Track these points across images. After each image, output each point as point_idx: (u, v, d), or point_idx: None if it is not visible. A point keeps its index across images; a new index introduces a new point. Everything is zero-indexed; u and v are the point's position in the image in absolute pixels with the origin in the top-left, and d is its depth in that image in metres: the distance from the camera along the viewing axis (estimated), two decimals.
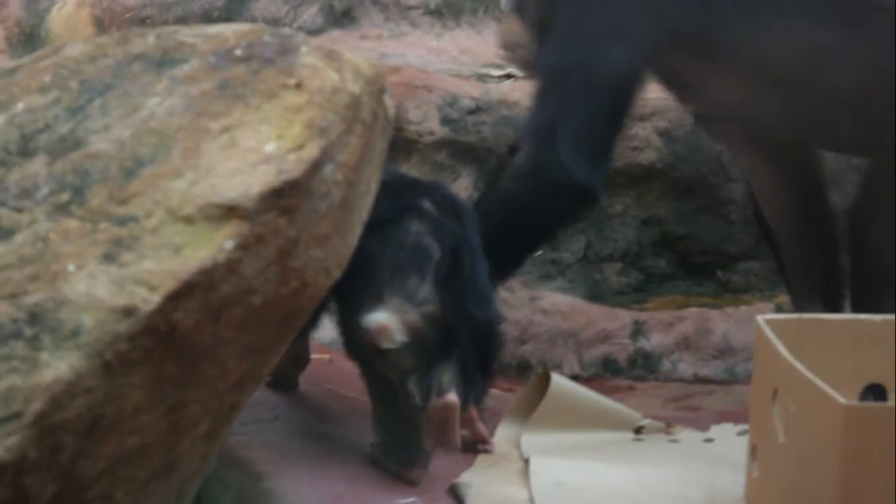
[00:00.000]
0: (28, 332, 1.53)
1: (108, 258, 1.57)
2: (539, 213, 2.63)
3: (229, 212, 1.60)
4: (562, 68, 2.57)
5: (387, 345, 2.29)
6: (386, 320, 2.28)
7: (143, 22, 4.55)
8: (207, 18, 4.56)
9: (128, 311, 1.53)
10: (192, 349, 1.60)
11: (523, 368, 3.03)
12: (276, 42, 1.80)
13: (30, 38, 4.55)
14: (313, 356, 2.74)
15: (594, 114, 2.54)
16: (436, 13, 3.96)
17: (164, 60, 1.80)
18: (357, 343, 2.34)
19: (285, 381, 2.63)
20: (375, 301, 2.30)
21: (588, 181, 2.54)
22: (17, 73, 1.85)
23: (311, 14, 4.30)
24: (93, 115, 1.74)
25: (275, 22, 4.44)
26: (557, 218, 2.68)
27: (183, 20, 4.53)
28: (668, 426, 2.67)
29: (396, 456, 2.33)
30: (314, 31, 4.13)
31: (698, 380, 3.13)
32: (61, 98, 1.78)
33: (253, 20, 4.49)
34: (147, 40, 1.84)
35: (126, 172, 1.65)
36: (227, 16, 4.55)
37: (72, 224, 1.61)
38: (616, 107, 2.57)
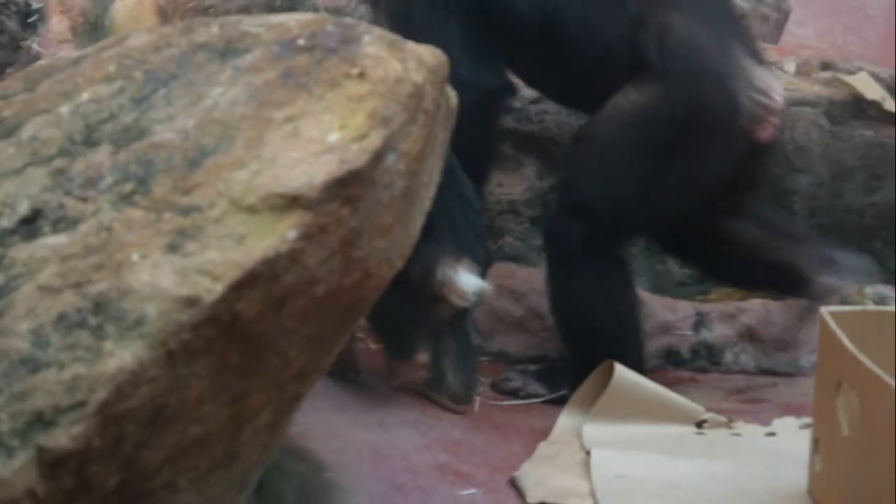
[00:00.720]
0: (92, 321, 1.53)
1: (172, 248, 1.57)
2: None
3: (292, 202, 1.59)
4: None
5: (467, 303, 2.39)
6: (483, 286, 2.39)
7: (205, 11, 4.56)
8: (270, 8, 4.57)
9: (191, 301, 1.53)
10: (255, 339, 1.60)
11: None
12: (339, 31, 1.80)
13: (94, 28, 4.57)
14: (375, 346, 2.74)
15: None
16: None
17: (227, 50, 1.80)
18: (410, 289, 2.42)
19: (348, 370, 2.65)
20: (455, 260, 2.38)
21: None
22: (81, 63, 1.86)
23: None
24: (157, 105, 1.74)
25: (337, 11, 4.44)
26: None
27: (246, 10, 4.53)
28: (730, 420, 2.65)
29: (448, 390, 2.43)
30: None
31: (761, 372, 3.11)
32: (126, 88, 1.78)
33: (315, 9, 4.49)
34: (211, 30, 1.84)
35: (190, 162, 1.65)
36: (290, 5, 4.56)
37: (136, 214, 1.62)
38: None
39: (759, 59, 2.96)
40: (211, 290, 1.54)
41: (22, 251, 1.62)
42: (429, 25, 2.90)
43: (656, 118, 2.83)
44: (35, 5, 4.77)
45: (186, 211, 1.61)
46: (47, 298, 1.56)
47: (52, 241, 1.61)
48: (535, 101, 3.28)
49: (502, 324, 3.14)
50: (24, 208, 1.66)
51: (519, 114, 3.27)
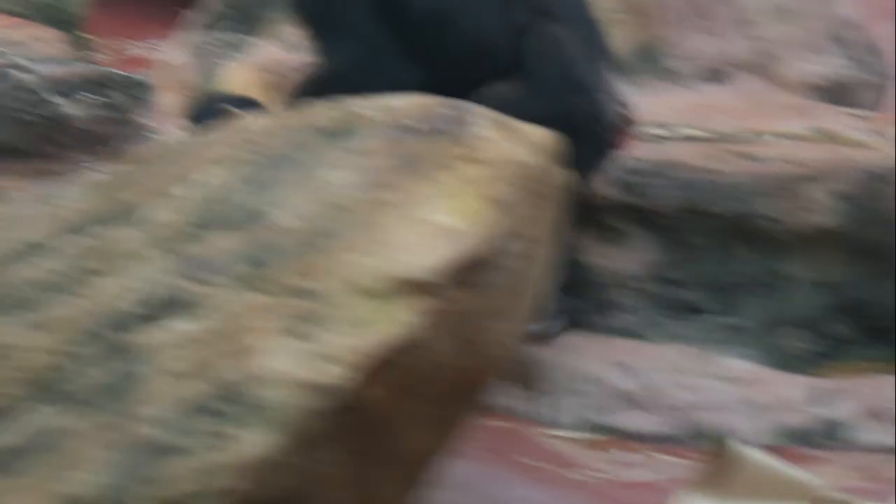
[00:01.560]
0: (221, 408, 1.58)
1: (297, 334, 1.61)
2: None
3: (412, 286, 1.63)
4: None
5: None
6: None
7: None
8: None
9: (318, 388, 1.57)
10: (381, 423, 1.64)
11: (700, 436, 3.01)
12: (449, 113, 1.84)
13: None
14: (494, 423, 2.76)
15: None
16: None
17: (342, 133, 1.84)
18: None
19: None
20: None
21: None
22: (198, 146, 1.92)
23: None
24: (273, 188, 1.79)
25: None
26: None
27: None
28: (852, 498, 2.63)
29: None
30: None
31: (883, 449, 3.08)
32: (243, 171, 1.83)
33: None
34: (325, 113, 1.89)
35: (308, 246, 1.70)
36: None
37: (256, 298, 1.66)
38: None
39: (617, 74, 3.21)
40: (336, 376, 1.58)
41: (148, 337, 1.67)
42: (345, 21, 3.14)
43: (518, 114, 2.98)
44: (143, 79, 4.89)
45: (307, 295, 1.66)
46: (176, 385, 1.61)
47: (177, 327, 1.66)
48: (646, 175, 3.29)
49: (620, 400, 3.14)
50: (148, 293, 1.71)
51: (623, 185, 3.29)
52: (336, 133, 1.82)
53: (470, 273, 1.68)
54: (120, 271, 1.75)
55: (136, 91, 4.62)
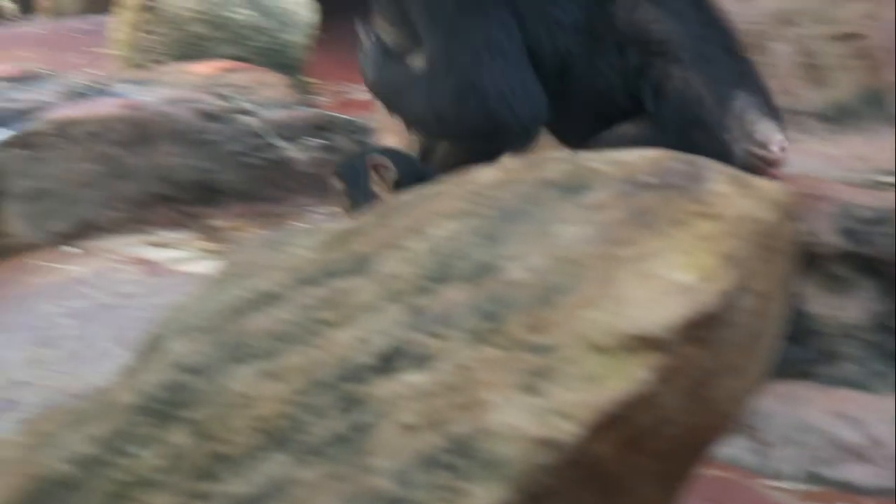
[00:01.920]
0: (454, 461, 1.59)
1: (528, 388, 1.62)
2: None
3: (645, 343, 1.62)
4: None
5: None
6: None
7: None
8: None
9: (549, 443, 1.58)
10: (610, 479, 1.63)
11: None
12: (684, 168, 1.83)
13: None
14: (713, 473, 2.73)
15: None
16: (827, 118, 3.92)
17: (575, 187, 1.84)
18: None
19: None
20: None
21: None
22: (432, 198, 1.94)
23: None
24: (507, 242, 1.80)
25: None
26: None
27: None
28: None
29: None
30: None
31: None
32: (476, 224, 1.85)
33: None
34: (557, 166, 1.89)
35: (541, 301, 1.70)
36: None
37: (491, 352, 1.67)
38: None
39: (769, 112, 3.17)
40: (568, 431, 1.58)
41: (380, 388, 1.69)
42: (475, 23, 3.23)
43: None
44: (363, 122, 4.98)
45: (540, 350, 1.66)
46: (408, 437, 1.62)
47: (411, 379, 1.68)
48: (871, 223, 3.23)
49: (842, 452, 3.08)
50: (381, 345, 1.73)
51: (855, 235, 3.24)
52: (568, 187, 1.83)
53: (702, 329, 1.66)
54: (352, 323, 1.78)
55: (357, 134, 4.72)
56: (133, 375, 1.96)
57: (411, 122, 3.50)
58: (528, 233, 1.80)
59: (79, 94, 4.99)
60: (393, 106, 3.52)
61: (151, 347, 2.09)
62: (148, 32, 5.84)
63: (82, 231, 4.72)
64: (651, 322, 1.63)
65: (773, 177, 3.12)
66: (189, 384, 1.82)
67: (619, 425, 1.61)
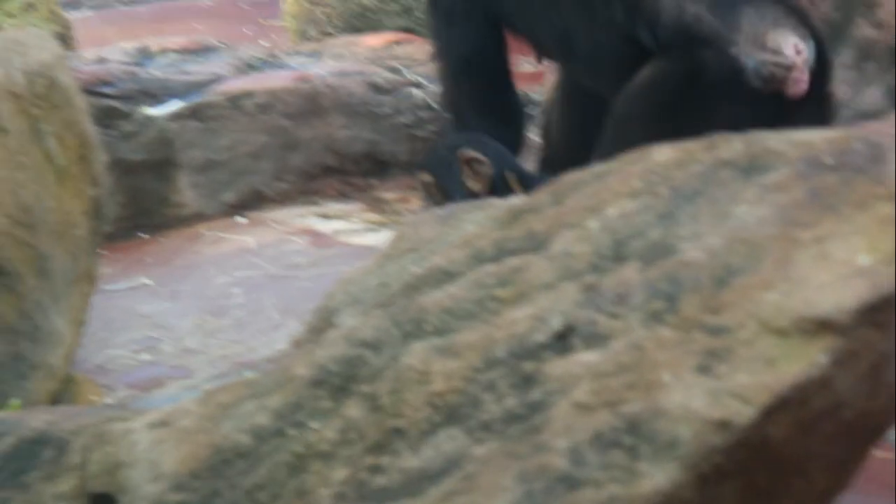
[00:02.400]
0: (627, 440, 1.61)
1: (703, 369, 1.63)
2: None
3: (823, 326, 1.62)
4: None
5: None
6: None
7: None
8: None
9: (723, 424, 1.59)
10: (782, 462, 1.64)
11: None
12: (866, 150, 1.81)
13: None
14: (883, 455, 2.70)
15: None
16: None
17: (751, 167, 1.84)
18: None
19: None
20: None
21: None
22: (607, 177, 1.95)
23: (872, 95, 4.26)
24: (683, 222, 1.80)
25: (836, 104, 4.42)
26: None
27: None
28: None
29: None
30: (875, 113, 4.10)
31: None
32: (651, 204, 1.85)
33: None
34: (734, 146, 1.89)
35: (717, 281, 1.71)
36: None
37: (665, 333, 1.68)
38: None
39: (784, 19, 3.23)
40: (743, 413, 1.59)
41: (556, 367, 1.71)
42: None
43: (662, 87, 3.20)
44: (536, 96, 4.99)
45: (715, 331, 1.67)
46: (582, 416, 1.65)
47: (585, 358, 1.70)
48: None
49: None
50: (556, 323, 1.75)
51: None
52: (746, 167, 1.82)
53: (881, 312, 1.66)
54: (528, 300, 1.80)
55: (528, 108, 4.73)
56: (307, 348, 2.01)
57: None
58: (704, 213, 1.80)
59: (251, 67, 5.08)
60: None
61: (324, 320, 2.14)
62: (317, 4, 5.92)
63: (252, 202, 4.82)
64: (829, 305, 1.63)
65: (797, 83, 3.18)
66: (364, 358, 1.86)
67: (794, 408, 1.61)
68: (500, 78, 3.73)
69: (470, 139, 3.71)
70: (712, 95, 3.23)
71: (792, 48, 3.20)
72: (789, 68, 3.17)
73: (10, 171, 3.09)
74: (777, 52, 3.18)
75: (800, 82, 3.20)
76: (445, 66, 3.79)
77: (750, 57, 3.17)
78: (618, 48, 3.32)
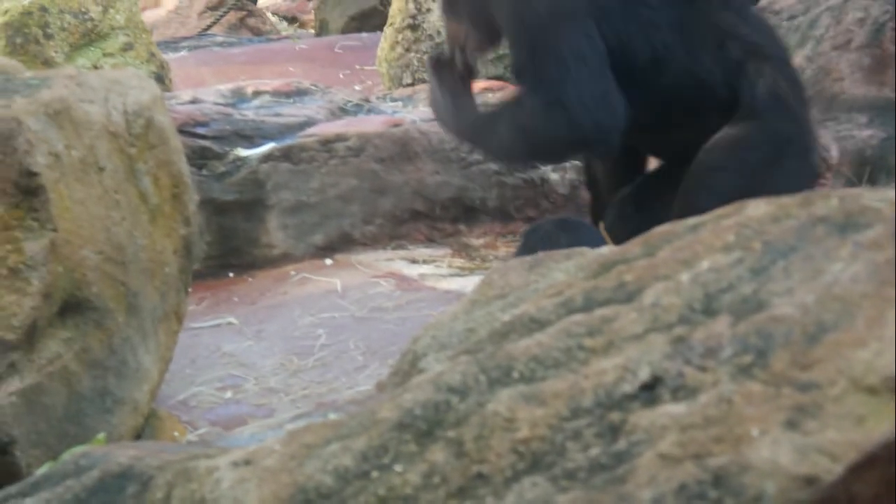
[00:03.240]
0: (712, 494, 1.61)
1: (792, 425, 1.63)
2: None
3: None
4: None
5: None
6: None
7: None
8: (860, 157, 4.58)
9: (810, 481, 1.58)
10: None
11: None
12: None
13: None
14: None
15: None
16: None
17: (847, 224, 1.84)
18: None
19: None
20: None
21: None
22: (700, 230, 1.96)
23: None
24: (775, 278, 1.81)
25: None
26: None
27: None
28: None
29: None
30: None
31: None
32: (744, 258, 1.86)
33: None
34: (830, 203, 1.89)
35: (809, 338, 1.71)
36: (880, 154, 4.56)
37: (755, 387, 1.68)
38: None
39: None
40: (830, 470, 1.59)
41: (643, 417, 1.72)
42: (562, 31, 3.40)
43: (755, 144, 3.37)
44: None
45: (805, 387, 1.67)
46: (668, 468, 1.65)
47: (673, 410, 1.70)
48: None
49: None
50: (645, 374, 1.76)
51: None
52: (844, 225, 1.82)
53: None
54: (616, 351, 1.81)
55: None
56: (392, 392, 2.03)
57: (501, 157, 3.72)
58: (797, 269, 1.80)
59: (343, 111, 5.14)
60: (482, 146, 3.73)
61: (409, 364, 2.16)
62: (412, 51, 5.97)
63: (340, 244, 4.85)
64: None
65: (827, 181, 3.40)
66: (450, 403, 1.88)
67: (881, 465, 1.60)
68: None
69: (571, 221, 3.78)
70: (791, 164, 3.44)
71: (835, 149, 3.48)
72: (829, 167, 3.43)
73: (105, 209, 3.15)
74: (826, 149, 3.42)
75: (828, 181, 3.52)
76: None
77: (818, 145, 3.47)
78: (712, 84, 3.44)
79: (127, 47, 5.92)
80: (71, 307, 3.05)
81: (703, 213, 2.27)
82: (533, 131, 3.44)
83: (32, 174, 2.93)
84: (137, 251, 3.25)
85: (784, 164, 3.44)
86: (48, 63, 5.41)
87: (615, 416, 1.75)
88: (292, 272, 4.70)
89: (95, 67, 5.63)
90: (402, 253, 4.83)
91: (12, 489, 2.05)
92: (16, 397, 2.91)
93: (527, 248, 3.61)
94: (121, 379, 3.20)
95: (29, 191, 2.93)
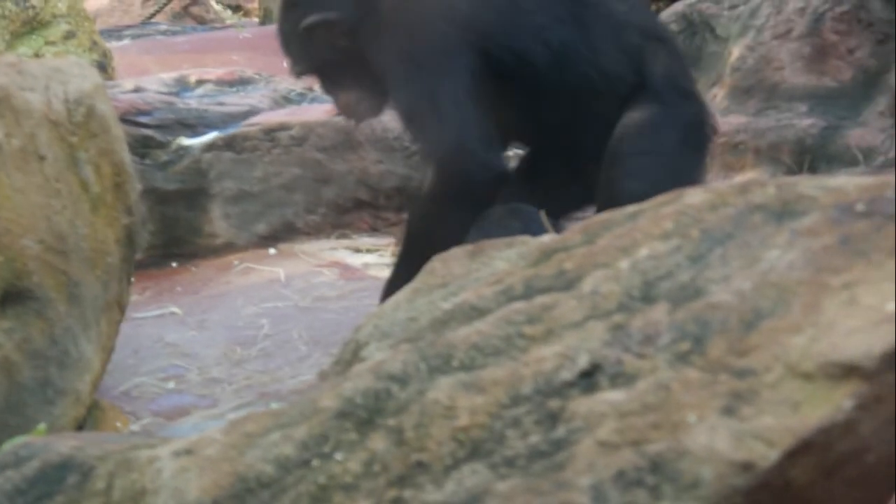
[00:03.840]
0: (649, 480, 1.63)
1: (728, 411, 1.65)
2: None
3: (849, 371, 1.64)
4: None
5: None
6: None
7: (735, 147, 4.67)
8: (800, 146, 4.62)
9: (746, 466, 1.60)
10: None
11: None
12: None
13: None
14: None
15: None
16: None
17: (784, 212, 1.86)
18: None
19: None
20: None
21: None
22: (639, 218, 1.97)
23: None
24: (713, 265, 1.82)
25: (870, 151, 4.44)
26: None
27: (776, 147, 4.61)
28: None
29: None
30: None
31: None
32: (682, 246, 1.88)
33: (847, 148, 4.51)
34: (767, 191, 1.91)
35: (745, 325, 1.73)
36: (821, 143, 4.59)
37: (692, 374, 1.70)
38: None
39: None
40: (766, 456, 1.61)
41: (581, 405, 1.73)
42: (439, 78, 3.40)
43: (666, 125, 3.49)
44: None
45: (741, 374, 1.68)
46: (606, 455, 1.67)
47: (611, 397, 1.72)
48: None
49: None
50: (583, 362, 1.77)
51: None
52: (780, 213, 1.84)
53: None
54: (556, 339, 1.82)
55: None
56: (334, 380, 2.03)
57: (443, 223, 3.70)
58: (734, 256, 1.82)
59: (287, 100, 5.12)
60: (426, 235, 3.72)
61: (351, 353, 2.16)
62: None
63: (283, 234, 4.84)
64: (856, 350, 1.65)
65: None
66: (391, 392, 1.88)
67: (817, 452, 1.62)
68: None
69: (516, 210, 3.80)
70: (696, 139, 3.63)
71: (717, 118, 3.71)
72: (716, 132, 3.68)
73: (45, 198, 3.13)
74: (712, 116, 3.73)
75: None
76: None
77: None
78: (620, 72, 3.54)
79: (69, 35, 5.87)
80: (11, 297, 3.03)
81: (636, 198, 2.37)
82: (447, 188, 3.52)
83: None
84: (79, 240, 3.23)
85: (690, 140, 3.59)
86: None
87: (554, 404, 1.76)
88: (235, 262, 4.68)
89: (37, 56, 5.58)
90: (345, 242, 4.83)
91: None
92: None
93: (479, 234, 3.62)
94: (62, 369, 3.18)
95: None
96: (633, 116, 3.49)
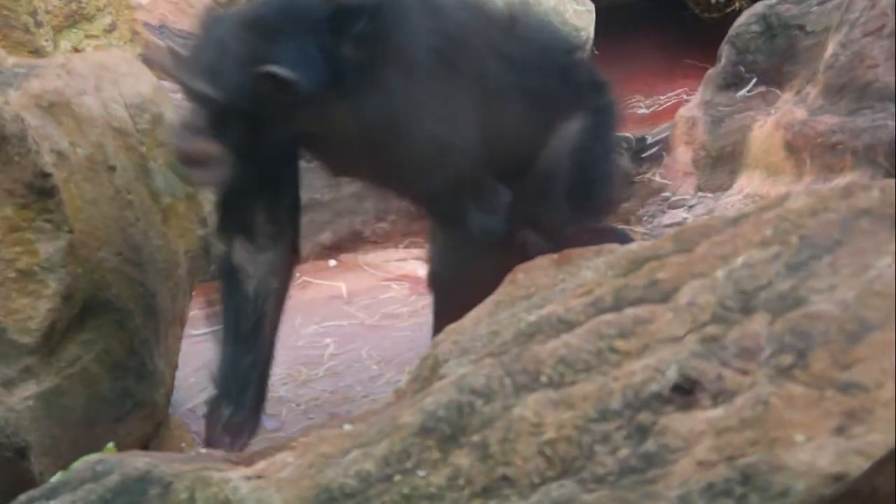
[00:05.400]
0: (738, 490, 1.65)
1: (840, 431, 1.66)
2: None
3: None
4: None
5: None
6: None
7: (833, 148, 4.63)
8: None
9: (838, 477, 1.62)
10: None
11: None
12: None
13: (715, 161, 4.78)
14: None
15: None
16: None
17: (891, 216, 1.84)
18: None
19: None
20: None
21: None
22: (741, 223, 1.96)
23: None
24: (818, 273, 1.81)
25: None
26: None
27: (871, 148, 4.59)
28: None
29: None
30: None
31: None
32: (781, 253, 1.86)
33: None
34: (871, 194, 1.89)
35: (850, 337, 1.72)
36: None
37: (795, 389, 1.70)
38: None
39: None
40: (860, 466, 1.62)
41: (674, 420, 1.74)
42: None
43: (606, 125, 3.75)
44: (651, 139, 5.03)
45: (847, 388, 1.68)
46: (700, 472, 1.67)
47: (710, 415, 1.72)
48: None
49: None
50: (676, 376, 1.78)
51: None
52: (884, 216, 1.83)
53: None
54: (648, 352, 1.83)
55: (642, 152, 4.77)
56: (412, 398, 2.04)
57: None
58: (841, 265, 1.81)
59: None
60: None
61: (430, 370, 2.17)
62: None
63: (348, 243, 4.83)
64: None
65: None
66: (474, 407, 1.89)
67: None
68: None
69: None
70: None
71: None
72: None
73: (118, 209, 3.16)
74: None
75: None
76: None
77: None
78: (558, 88, 3.66)
79: (110, 28, 5.83)
80: (91, 309, 3.06)
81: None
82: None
83: (46, 175, 2.91)
84: (153, 252, 3.26)
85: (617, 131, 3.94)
86: (38, 52, 5.35)
87: (645, 419, 1.77)
88: (301, 274, 4.68)
89: (76, 50, 5.56)
90: (415, 252, 4.81)
91: (34, 492, 2.10)
92: (32, 401, 2.90)
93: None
94: (140, 381, 3.21)
95: (43, 192, 2.92)
96: (577, 125, 3.64)
